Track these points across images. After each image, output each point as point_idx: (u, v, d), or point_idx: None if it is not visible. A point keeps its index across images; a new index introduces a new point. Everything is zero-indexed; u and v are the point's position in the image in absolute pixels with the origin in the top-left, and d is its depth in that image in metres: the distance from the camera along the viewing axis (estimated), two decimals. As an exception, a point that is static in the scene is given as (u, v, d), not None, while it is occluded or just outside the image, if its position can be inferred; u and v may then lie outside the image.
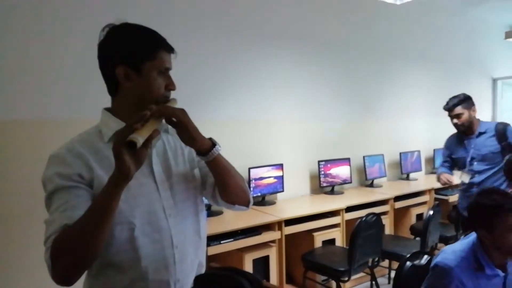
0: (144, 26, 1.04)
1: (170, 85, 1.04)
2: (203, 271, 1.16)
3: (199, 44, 3.03)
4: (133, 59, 0.98)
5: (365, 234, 2.62)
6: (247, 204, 1.19)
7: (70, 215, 0.89)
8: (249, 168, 3.17)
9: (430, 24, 4.84)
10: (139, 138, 0.81)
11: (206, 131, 3.24)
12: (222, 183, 1.09)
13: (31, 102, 2.36)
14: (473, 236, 1.59)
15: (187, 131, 0.98)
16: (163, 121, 0.99)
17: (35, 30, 2.35)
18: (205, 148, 1.01)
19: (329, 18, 3.83)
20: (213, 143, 1.03)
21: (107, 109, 1.07)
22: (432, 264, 1.57)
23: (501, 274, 1.54)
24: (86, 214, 0.86)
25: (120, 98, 1.03)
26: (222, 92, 3.20)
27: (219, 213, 3.00)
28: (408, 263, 1.75)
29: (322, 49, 3.81)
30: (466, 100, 2.80)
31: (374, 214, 2.71)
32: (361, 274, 2.97)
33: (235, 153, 3.21)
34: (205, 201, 1.20)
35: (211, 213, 2.94)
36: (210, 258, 2.91)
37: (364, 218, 2.61)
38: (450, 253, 1.57)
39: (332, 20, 3.86)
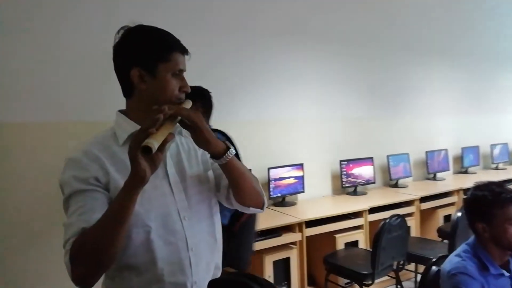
0: (159, 28, 1.03)
1: (184, 87, 1.03)
2: (219, 274, 1.15)
3: (217, 44, 3.02)
4: (147, 62, 0.98)
5: (389, 236, 2.53)
6: (261, 207, 1.17)
7: (87, 219, 0.90)
8: (269, 168, 3.13)
9: (456, 15, 4.63)
10: (154, 143, 0.80)
11: (225, 131, 3.18)
12: (236, 186, 1.08)
13: (40, 104, 2.34)
14: (471, 238, 1.61)
15: (201, 134, 0.97)
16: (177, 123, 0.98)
17: (44, 31, 2.34)
18: (219, 151, 1.00)
19: (348, 13, 3.73)
20: (227, 146, 1.02)
21: (121, 111, 1.07)
22: (445, 275, 1.53)
23: (506, 274, 1.54)
24: (103, 218, 0.86)
25: (134, 100, 1.03)
26: (241, 92, 3.18)
27: (238, 214, 2.97)
28: (434, 268, 1.67)
29: (343, 46, 3.72)
30: None
31: (398, 215, 2.61)
32: (386, 277, 2.88)
33: (254, 153, 3.19)
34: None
35: (230, 214, 2.92)
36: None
37: (388, 220, 2.52)
38: (456, 259, 1.57)
39: (352, 15, 3.76)
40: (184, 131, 1.14)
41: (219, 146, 1.00)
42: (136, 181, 0.84)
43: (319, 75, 3.60)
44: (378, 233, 2.48)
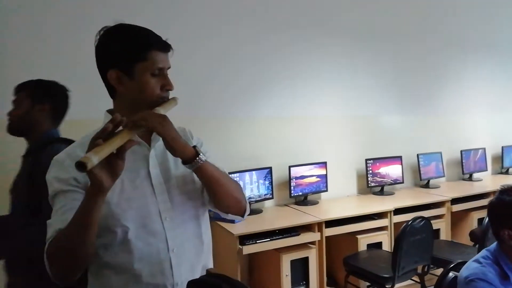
0: (136, 27, 1.01)
1: (166, 85, 1.01)
2: None
3: (238, 42, 3.01)
4: (123, 63, 0.97)
5: (412, 239, 2.42)
6: (241, 214, 1.14)
7: (65, 219, 0.91)
8: (290, 166, 3.09)
9: (496, 7, 4.33)
10: (94, 158, 0.77)
11: (245, 129, 3.21)
12: (211, 192, 1.06)
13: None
14: (493, 244, 1.51)
15: (165, 142, 0.95)
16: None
17: (51, 27, 2.38)
18: (187, 157, 0.97)
19: (376, 6, 3.60)
20: (196, 152, 0.98)
21: (109, 111, 1.07)
22: (462, 281, 1.44)
23: None
24: (71, 222, 0.88)
25: (118, 101, 1.03)
26: (262, 88, 3.16)
27: (258, 211, 2.97)
28: (451, 274, 1.57)
29: (370, 39, 3.60)
30: None
31: (422, 217, 2.49)
32: (410, 282, 2.76)
33: (275, 150, 3.17)
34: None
35: (250, 211, 2.89)
36: (245, 257, 2.91)
37: (410, 222, 2.41)
38: (475, 265, 1.47)
39: (379, 7, 3.62)
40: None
41: (186, 152, 0.97)
42: (94, 190, 0.83)
43: (345, 71, 3.50)
44: (399, 235, 2.39)
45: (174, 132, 0.95)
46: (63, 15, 2.43)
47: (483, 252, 1.53)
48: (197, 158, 0.97)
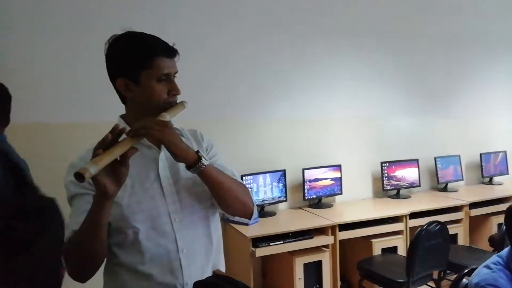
0: (142, 34, 1.04)
1: (173, 90, 1.04)
2: None
3: (252, 43, 3.03)
4: (130, 71, 1.01)
5: (427, 244, 2.38)
6: (248, 217, 1.16)
7: (80, 221, 0.95)
8: (303, 169, 3.09)
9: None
10: (92, 168, 0.80)
11: (259, 131, 3.19)
12: (215, 195, 1.08)
13: (58, 104, 2.40)
14: (505, 250, 1.50)
15: (167, 148, 0.98)
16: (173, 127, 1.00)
17: (60, 31, 2.40)
18: (189, 162, 1.00)
19: (390, 6, 3.55)
20: (198, 156, 1.00)
21: (122, 116, 1.11)
22: (473, 287, 1.41)
23: None
24: (82, 225, 0.93)
25: (129, 107, 1.08)
26: (276, 90, 3.16)
27: (272, 214, 2.97)
28: (465, 280, 1.55)
29: (386, 39, 3.55)
30: None
31: (438, 222, 2.45)
32: (426, 287, 2.71)
33: (289, 153, 3.17)
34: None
35: (263, 214, 2.93)
36: (258, 260, 2.92)
37: (425, 227, 2.38)
38: (485, 271, 1.44)
39: (395, 8, 3.56)
40: (185, 133, 1.16)
41: (188, 157, 0.99)
42: (99, 195, 0.88)
43: (360, 72, 3.47)
44: (413, 240, 2.36)
45: (174, 138, 0.97)
46: (76, 16, 2.46)
47: (494, 258, 1.51)
48: (200, 162, 0.99)
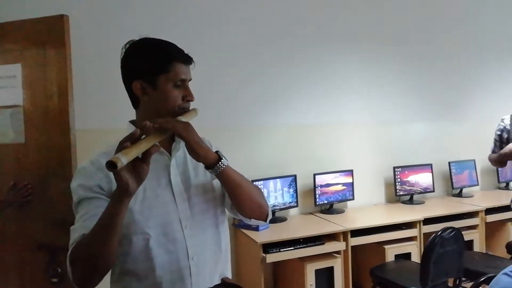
0: (160, 40, 1.06)
1: (187, 96, 1.05)
2: None
3: (263, 49, 3.03)
4: (148, 74, 1.02)
5: (442, 251, 2.33)
6: (264, 219, 1.16)
7: (88, 225, 0.94)
8: (314, 174, 3.07)
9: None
10: (122, 158, 0.81)
11: (270, 136, 3.19)
12: (233, 197, 1.08)
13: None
14: None
15: (189, 146, 0.98)
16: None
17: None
18: (210, 162, 1.00)
19: (402, 10, 3.52)
20: (219, 157, 1.01)
21: (132, 122, 1.11)
22: None
23: None
24: (95, 226, 0.90)
25: (141, 111, 1.08)
26: (287, 95, 3.15)
27: (283, 219, 2.95)
28: (481, 289, 1.50)
29: (396, 43, 3.51)
30: None
31: (453, 228, 2.40)
32: (441, 295, 2.65)
33: (300, 158, 3.15)
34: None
35: (274, 219, 2.91)
36: (269, 266, 2.89)
37: (439, 233, 2.32)
38: (506, 278, 1.37)
39: (406, 12, 3.54)
40: None
41: (209, 157, 1.00)
42: (120, 193, 0.86)
43: (371, 77, 3.44)
44: (427, 246, 2.31)
45: (197, 137, 0.99)
46: (87, 24, 2.48)
47: None
48: (220, 162, 1.00)
